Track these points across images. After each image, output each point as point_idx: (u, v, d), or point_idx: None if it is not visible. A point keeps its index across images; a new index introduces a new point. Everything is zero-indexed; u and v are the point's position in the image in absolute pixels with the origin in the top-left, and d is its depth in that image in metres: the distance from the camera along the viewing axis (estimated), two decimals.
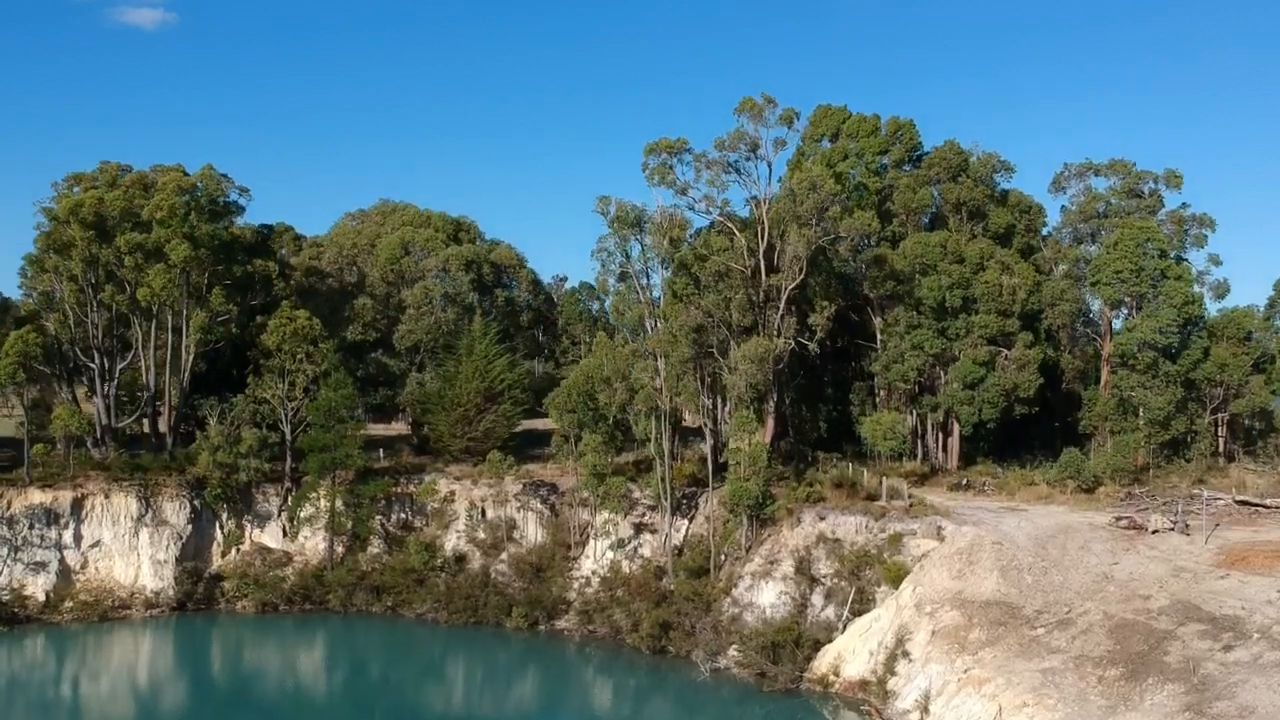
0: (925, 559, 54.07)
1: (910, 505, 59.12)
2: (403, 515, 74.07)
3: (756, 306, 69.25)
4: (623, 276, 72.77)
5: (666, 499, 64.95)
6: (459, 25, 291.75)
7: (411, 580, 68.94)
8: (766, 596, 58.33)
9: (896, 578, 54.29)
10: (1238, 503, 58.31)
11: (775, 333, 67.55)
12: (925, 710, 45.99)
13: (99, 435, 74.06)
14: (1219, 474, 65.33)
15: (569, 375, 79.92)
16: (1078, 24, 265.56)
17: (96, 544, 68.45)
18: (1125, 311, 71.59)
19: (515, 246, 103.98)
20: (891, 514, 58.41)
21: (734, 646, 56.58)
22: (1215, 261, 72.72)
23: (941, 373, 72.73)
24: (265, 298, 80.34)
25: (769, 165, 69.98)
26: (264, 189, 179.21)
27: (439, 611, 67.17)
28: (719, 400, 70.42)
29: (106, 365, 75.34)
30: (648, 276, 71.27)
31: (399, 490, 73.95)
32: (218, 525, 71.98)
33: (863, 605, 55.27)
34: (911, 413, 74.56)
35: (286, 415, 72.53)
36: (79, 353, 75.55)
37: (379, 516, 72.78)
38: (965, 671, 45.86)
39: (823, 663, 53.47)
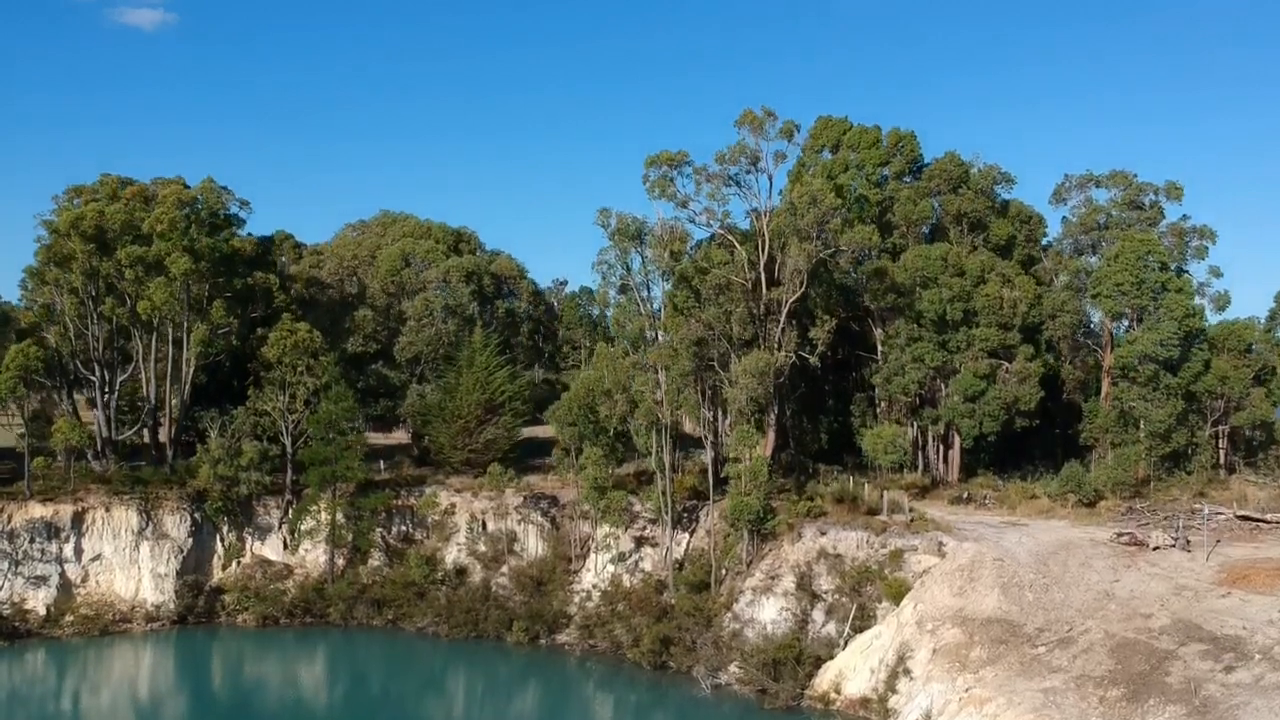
0: (926, 575, 54.02)
1: (911, 520, 59.08)
2: (403, 528, 74.03)
3: (757, 319, 69.19)
4: (623, 289, 72.98)
5: (667, 513, 64.88)
6: (459, 26, 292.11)
7: (412, 593, 68.92)
8: (767, 612, 58.29)
9: (898, 594, 54.23)
10: (1239, 518, 58.29)
11: (776, 346, 67.50)
12: None
13: (99, 447, 74.10)
14: (1220, 486, 65.40)
15: (569, 382, 79.78)
16: (1077, 24, 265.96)
17: (97, 557, 68.43)
18: (1126, 323, 71.60)
19: (515, 257, 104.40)
20: (892, 529, 58.35)
21: (735, 663, 56.53)
22: (1216, 273, 72.91)
23: (942, 385, 72.72)
24: (266, 310, 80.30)
25: (769, 178, 70.13)
26: (264, 191, 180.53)
27: (440, 625, 67.16)
28: (720, 412, 70.36)
29: (107, 377, 75.40)
30: (648, 289, 71.64)
31: (400, 503, 73.94)
32: (218, 538, 71.99)
33: (864, 622, 55.25)
34: (912, 425, 74.52)
35: (287, 428, 72.49)
36: (79, 365, 75.60)
37: (379, 529, 72.75)
38: (966, 690, 45.81)
39: (824, 680, 53.42)
